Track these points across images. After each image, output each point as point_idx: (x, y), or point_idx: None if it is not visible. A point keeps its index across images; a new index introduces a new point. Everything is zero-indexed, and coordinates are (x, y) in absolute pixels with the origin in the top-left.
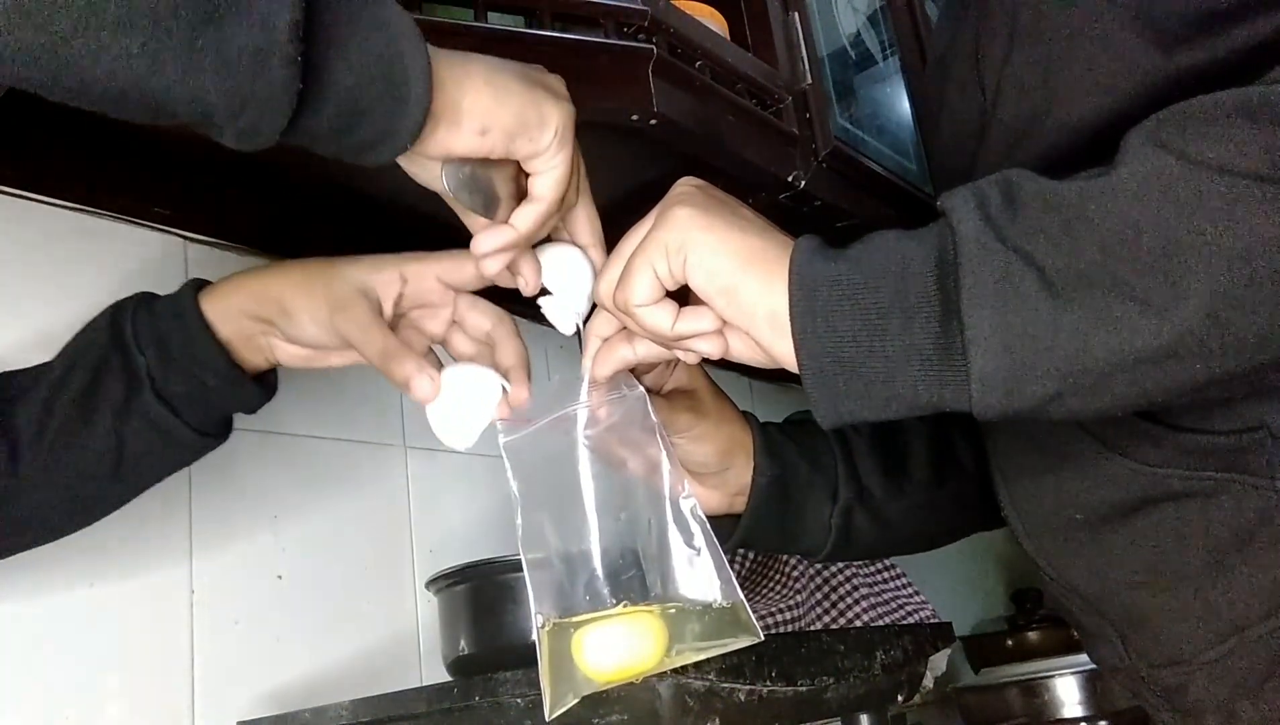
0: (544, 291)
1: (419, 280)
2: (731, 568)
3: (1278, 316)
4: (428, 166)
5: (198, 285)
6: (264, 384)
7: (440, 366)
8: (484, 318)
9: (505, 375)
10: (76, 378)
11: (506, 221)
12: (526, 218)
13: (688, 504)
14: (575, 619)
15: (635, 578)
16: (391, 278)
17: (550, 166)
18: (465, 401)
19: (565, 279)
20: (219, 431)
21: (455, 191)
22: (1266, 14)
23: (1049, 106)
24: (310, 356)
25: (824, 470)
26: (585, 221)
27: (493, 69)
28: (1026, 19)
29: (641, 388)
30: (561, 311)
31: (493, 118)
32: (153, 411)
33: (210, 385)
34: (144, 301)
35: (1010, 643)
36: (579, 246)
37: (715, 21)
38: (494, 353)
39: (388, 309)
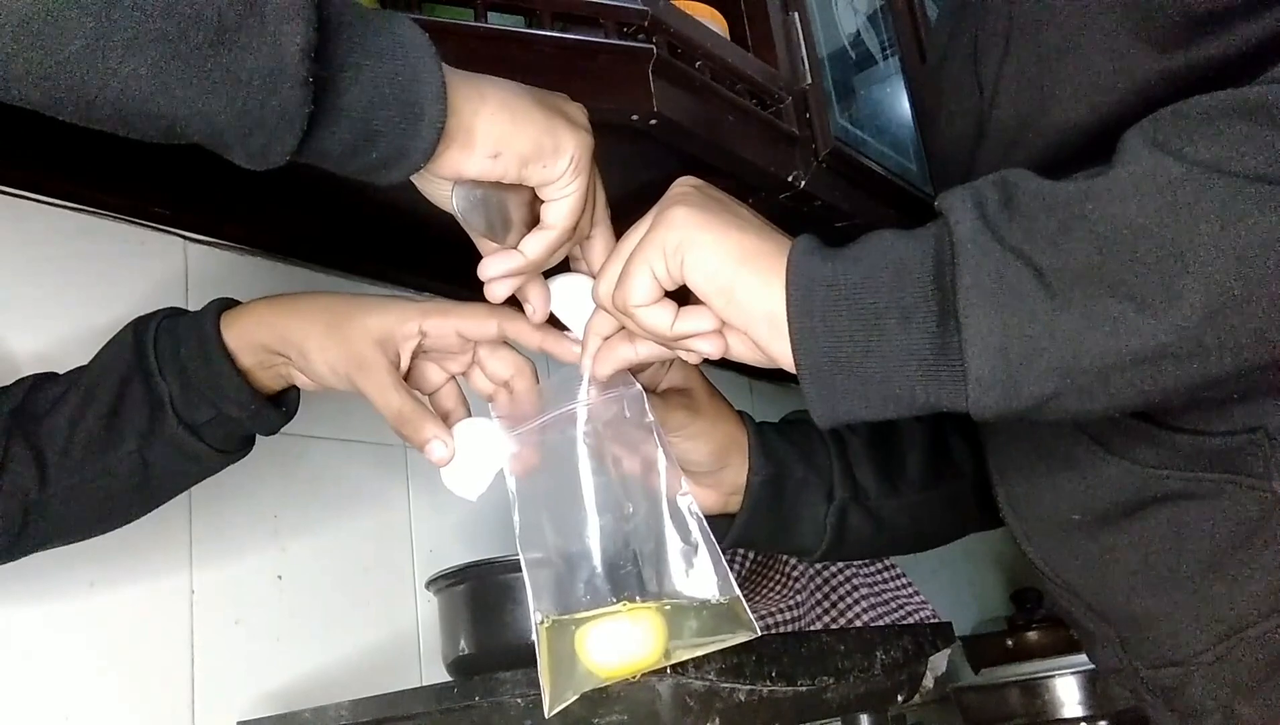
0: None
1: (439, 334)
2: (731, 567)
3: (1275, 316)
4: (440, 186)
5: (221, 307)
6: (284, 406)
7: (465, 401)
8: (504, 366)
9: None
10: (101, 398)
11: (517, 247)
12: (536, 245)
13: (685, 501)
14: (575, 616)
15: (633, 574)
16: (410, 331)
17: (564, 194)
18: (475, 455)
19: (577, 310)
20: (242, 447)
21: (464, 214)
22: (1263, 14)
23: (1046, 107)
24: (327, 388)
25: (819, 470)
26: (602, 252)
27: (510, 93)
28: (1023, 19)
29: (639, 386)
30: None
31: (506, 142)
32: (176, 436)
33: (232, 414)
34: (167, 321)
35: (1010, 643)
36: (594, 277)
37: (715, 21)
38: (511, 403)
39: (405, 361)
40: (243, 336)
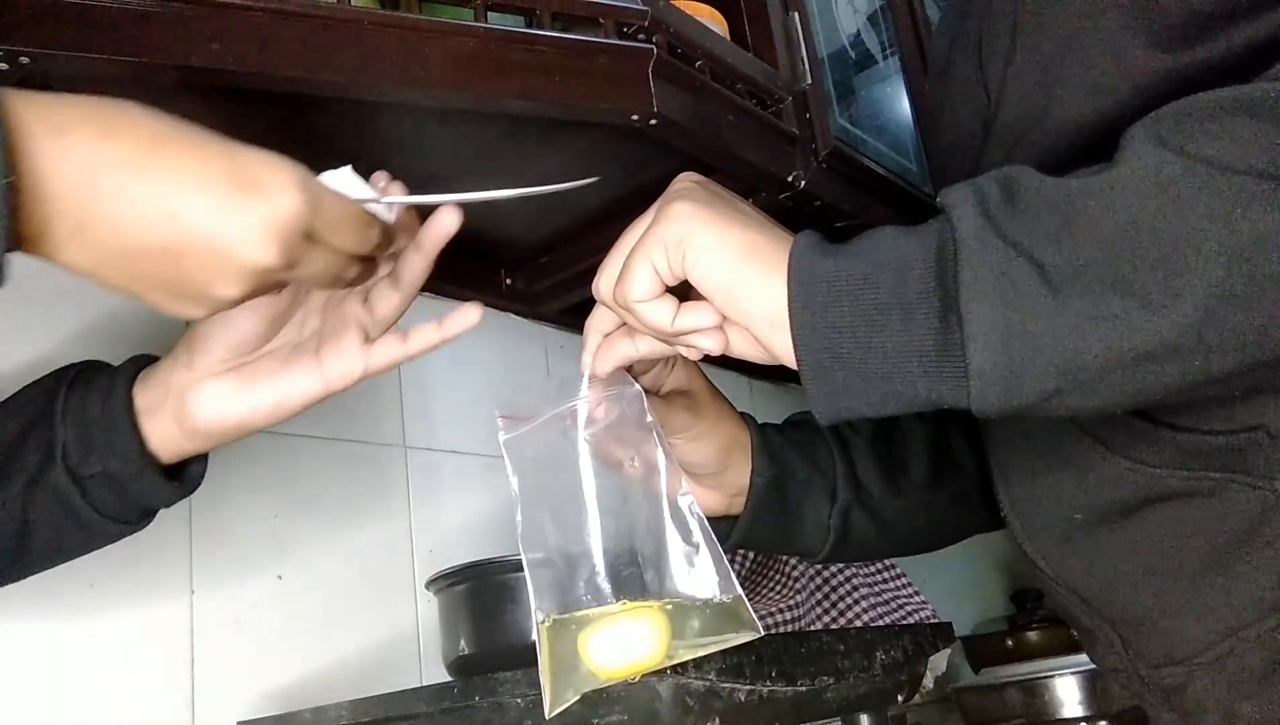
0: None
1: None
2: (731, 568)
3: (1276, 314)
4: None
5: (142, 363)
6: (179, 478)
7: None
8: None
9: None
10: (6, 430)
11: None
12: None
13: (686, 501)
14: (576, 615)
15: (635, 574)
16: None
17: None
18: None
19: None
20: (132, 519)
21: None
22: (1265, 13)
23: (1049, 107)
24: (232, 381)
25: (822, 470)
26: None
27: (129, 203)
28: (1027, 19)
29: (638, 386)
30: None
31: (122, 274)
32: (60, 486)
33: (115, 471)
34: (87, 371)
35: (1010, 643)
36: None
37: (715, 21)
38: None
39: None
40: (149, 380)
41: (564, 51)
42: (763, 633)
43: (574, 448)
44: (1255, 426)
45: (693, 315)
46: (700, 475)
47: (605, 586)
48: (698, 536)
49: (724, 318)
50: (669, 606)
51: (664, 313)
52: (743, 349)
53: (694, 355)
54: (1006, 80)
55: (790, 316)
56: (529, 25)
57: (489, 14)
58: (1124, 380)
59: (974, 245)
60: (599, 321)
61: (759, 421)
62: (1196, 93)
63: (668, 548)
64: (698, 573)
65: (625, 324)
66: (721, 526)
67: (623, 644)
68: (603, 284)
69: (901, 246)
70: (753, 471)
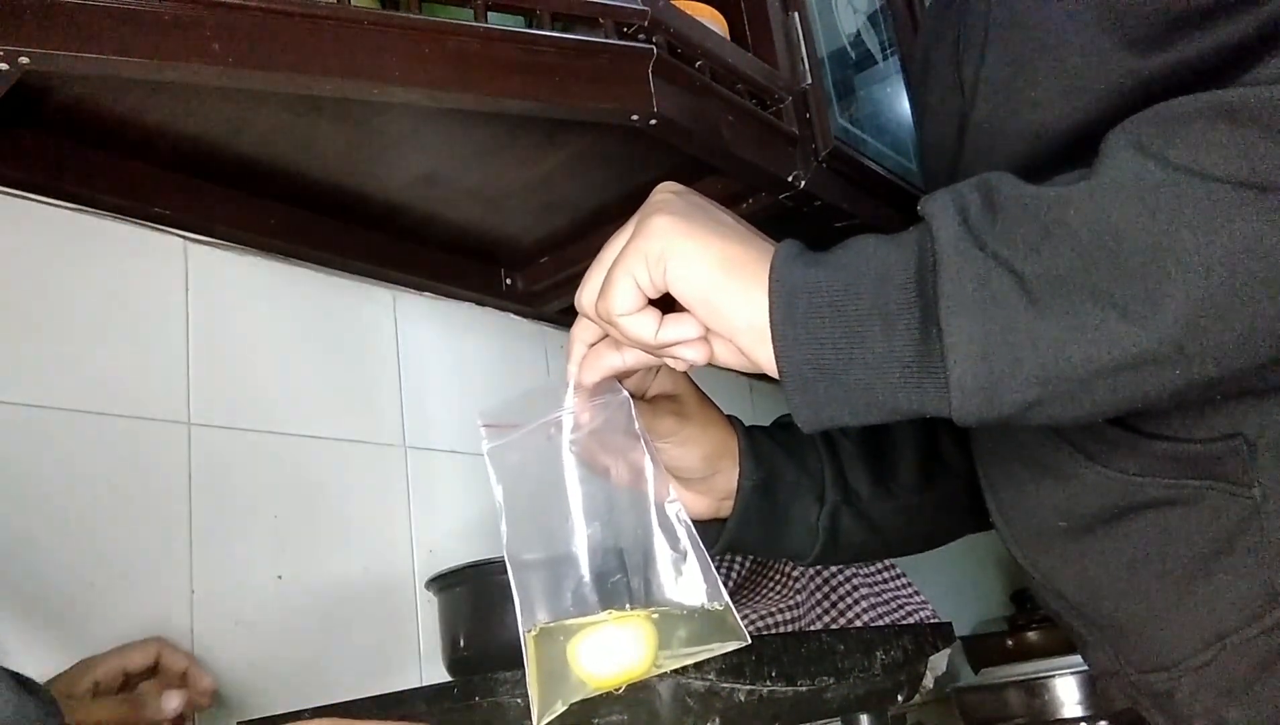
0: None
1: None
2: (730, 569)
3: (1256, 322)
4: None
5: None
6: None
7: None
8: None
9: None
10: None
11: None
12: None
13: (673, 508)
14: (565, 623)
15: (621, 582)
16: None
17: None
18: None
19: None
20: None
21: None
22: (1238, 15)
23: (1022, 108)
24: None
25: (810, 473)
26: None
27: None
28: (1000, 19)
29: (625, 393)
30: None
31: None
32: None
33: None
34: None
35: (1010, 643)
36: None
37: (715, 21)
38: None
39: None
40: None
41: (564, 51)
42: (749, 641)
43: (559, 456)
44: (1233, 434)
45: (676, 328)
46: (688, 480)
47: (592, 596)
48: (685, 544)
49: (707, 329)
50: (655, 615)
51: (647, 326)
52: (727, 359)
53: (680, 366)
54: (980, 81)
55: (771, 328)
56: (529, 25)
57: (489, 14)
58: (1104, 390)
59: (953, 256)
60: (582, 332)
61: (755, 422)
62: (1170, 96)
63: (655, 555)
64: (685, 580)
65: (609, 335)
66: (711, 531)
67: (611, 653)
68: (585, 297)
69: (882, 256)
70: (740, 475)
